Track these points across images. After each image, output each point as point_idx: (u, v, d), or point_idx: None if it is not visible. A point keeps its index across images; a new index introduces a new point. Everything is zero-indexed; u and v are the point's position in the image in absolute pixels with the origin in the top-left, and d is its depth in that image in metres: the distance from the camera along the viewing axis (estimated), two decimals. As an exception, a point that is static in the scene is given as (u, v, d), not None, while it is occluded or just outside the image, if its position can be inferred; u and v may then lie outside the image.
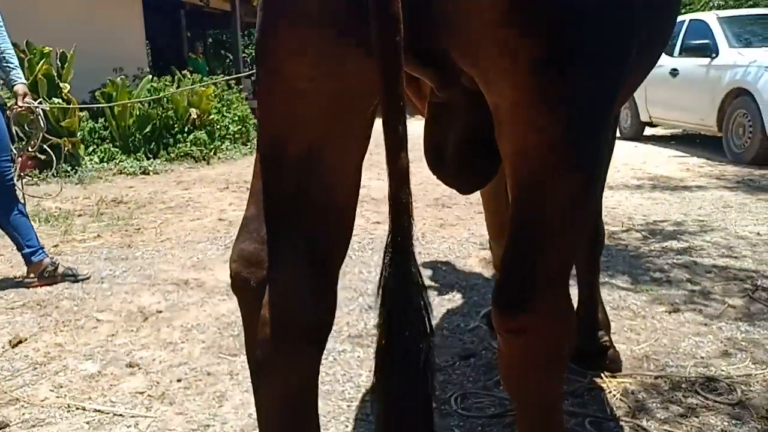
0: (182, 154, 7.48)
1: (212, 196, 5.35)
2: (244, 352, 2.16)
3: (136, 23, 10.41)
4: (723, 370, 2.04)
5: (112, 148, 7.15)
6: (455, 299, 2.72)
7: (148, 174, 6.65)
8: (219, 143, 8.11)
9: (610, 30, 0.96)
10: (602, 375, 2.01)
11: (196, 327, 2.43)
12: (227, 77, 9.41)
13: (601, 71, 0.97)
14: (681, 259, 3.25)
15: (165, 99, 7.53)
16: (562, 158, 0.98)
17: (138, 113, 7.44)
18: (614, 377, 2.01)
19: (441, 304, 2.64)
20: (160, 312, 2.58)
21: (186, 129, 7.73)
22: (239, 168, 7.21)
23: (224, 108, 8.78)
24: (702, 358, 2.15)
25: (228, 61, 22.02)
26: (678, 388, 1.94)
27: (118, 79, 7.38)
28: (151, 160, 7.17)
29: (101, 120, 7.45)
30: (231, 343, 2.26)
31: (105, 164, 6.83)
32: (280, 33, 0.99)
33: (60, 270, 2.93)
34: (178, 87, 8.07)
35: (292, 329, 1.04)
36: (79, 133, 6.73)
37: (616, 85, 1.03)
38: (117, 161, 6.94)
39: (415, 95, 1.27)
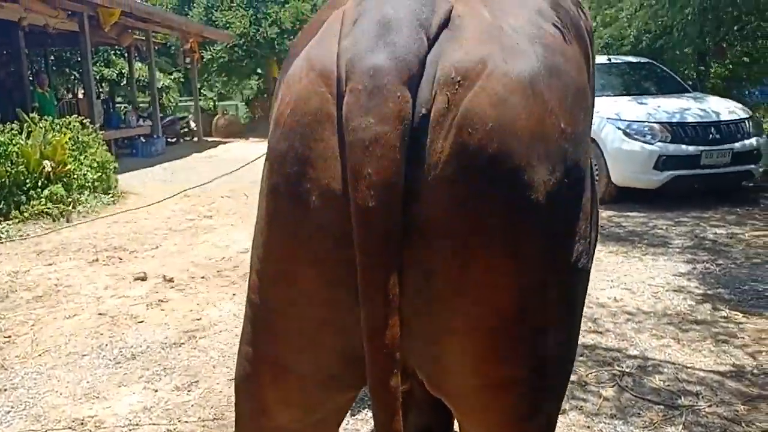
0: (37, 212, 6.93)
1: (82, 274, 5.03)
2: None
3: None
4: (609, 485, 2.33)
5: (-46, 213, 6.47)
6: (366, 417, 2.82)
7: (1, 242, 6.09)
8: (78, 195, 7.60)
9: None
10: None
11: (106, 490, 2.33)
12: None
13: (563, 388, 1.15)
14: (556, 339, 3.59)
15: (14, 153, 6.92)
16: None
17: (-17, 171, 6.78)
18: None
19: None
20: (61, 472, 2.44)
21: (40, 183, 7.17)
22: (104, 226, 6.82)
23: (80, 153, 8.22)
24: (590, 470, 2.43)
25: (73, 77, 20.53)
26: None
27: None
28: (2, 223, 6.56)
29: (-62, 179, 6.71)
30: None
31: (-52, 233, 6.16)
32: (268, 387, 1.05)
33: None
34: (27, 136, 7.46)
35: None
36: None
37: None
38: (-38, 228, 6.28)
39: None
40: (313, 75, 0.95)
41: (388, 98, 0.86)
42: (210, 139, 18.42)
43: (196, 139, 17.64)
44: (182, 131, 17.38)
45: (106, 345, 3.61)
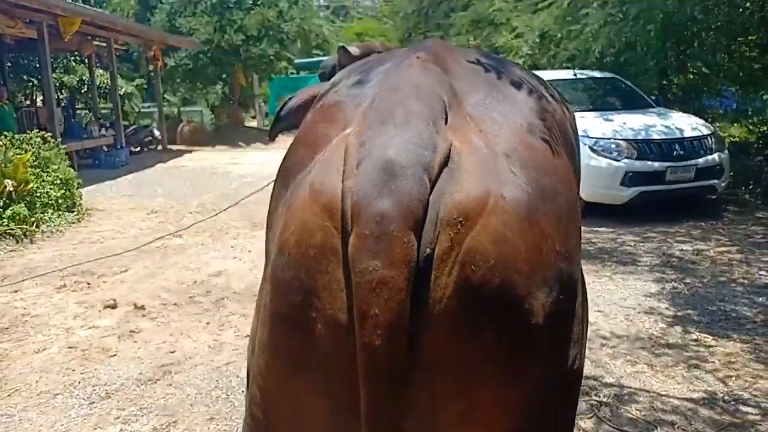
0: (-1, 233, 6.73)
1: (50, 302, 4.90)
2: None
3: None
4: None
5: None
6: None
7: (-38, 267, 5.89)
8: (41, 214, 7.39)
9: None
10: None
11: None
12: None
13: None
14: (534, 367, 3.63)
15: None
16: None
17: (-59, 192, 6.55)
18: None
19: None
20: None
21: (1, 204, 6.95)
22: (69, 247, 6.66)
23: (42, 170, 8.00)
24: None
25: (31, 84, 19.98)
26: None
27: None
28: (-37, 246, 6.36)
29: None
30: None
31: None
32: None
33: None
34: (-13, 154, 7.23)
35: None
36: None
37: None
38: None
39: None
40: (317, 209, 0.97)
41: (394, 244, 0.89)
42: (175, 147, 18.13)
43: (160, 147, 17.33)
44: (146, 140, 17.05)
45: (79, 382, 3.52)
